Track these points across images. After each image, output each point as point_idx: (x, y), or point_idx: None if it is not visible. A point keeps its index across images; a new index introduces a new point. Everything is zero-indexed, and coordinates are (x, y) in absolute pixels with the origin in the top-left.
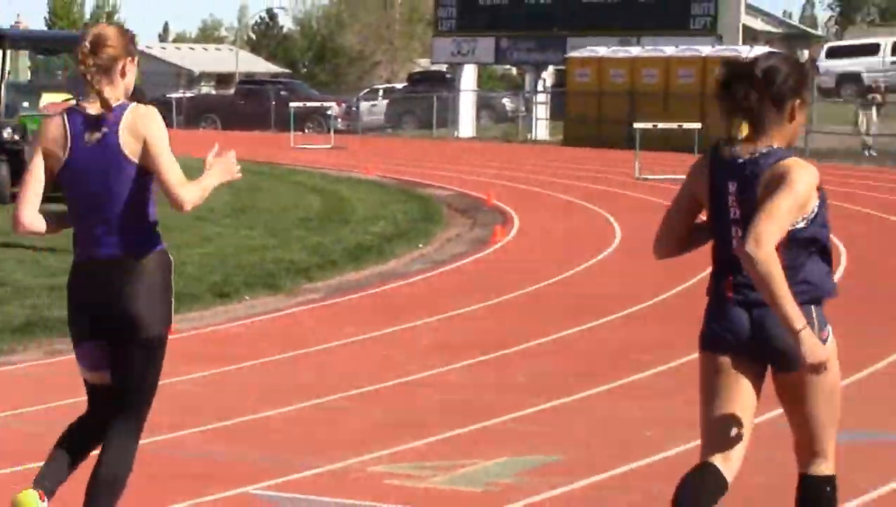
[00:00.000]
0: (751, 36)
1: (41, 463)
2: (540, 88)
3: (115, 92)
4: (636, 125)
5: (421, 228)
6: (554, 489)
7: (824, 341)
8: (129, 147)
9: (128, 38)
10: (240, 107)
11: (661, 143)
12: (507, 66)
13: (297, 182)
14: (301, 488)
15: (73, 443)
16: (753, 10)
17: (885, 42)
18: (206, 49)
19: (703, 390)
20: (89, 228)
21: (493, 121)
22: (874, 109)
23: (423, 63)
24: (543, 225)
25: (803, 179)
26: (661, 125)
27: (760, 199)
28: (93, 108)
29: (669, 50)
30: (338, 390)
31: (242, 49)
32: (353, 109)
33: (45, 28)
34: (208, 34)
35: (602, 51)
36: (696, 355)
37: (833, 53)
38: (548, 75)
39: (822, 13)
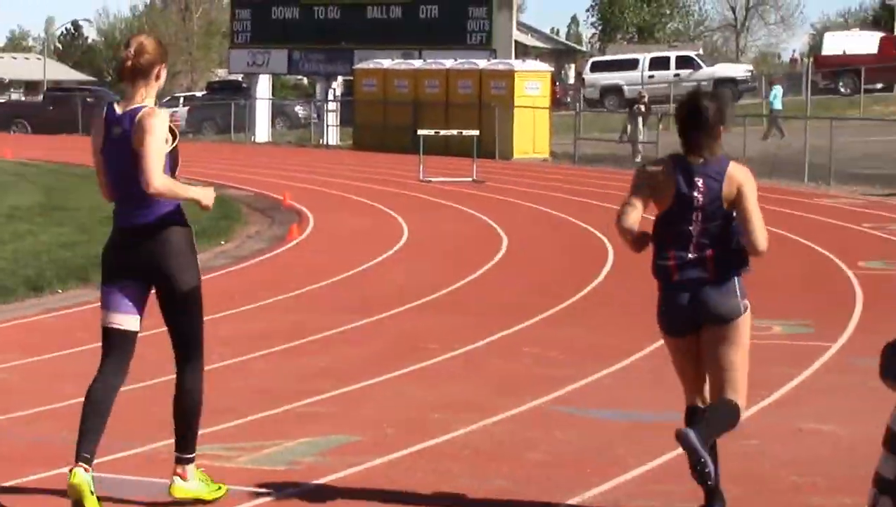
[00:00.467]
0: (522, 51)
1: None
2: (330, 96)
3: (150, 91)
4: (420, 132)
5: (222, 226)
6: (351, 467)
7: (746, 310)
8: (138, 139)
9: (162, 47)
10: (49, 112)
11: (443, 148)
12: (300, 77)
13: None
14: (115, 468)
15: (97, 407)
16: (524, 27)
17: (644, 57)
18: (14, 58)
19: (672, 360)
20: (119, 203)
21: (287, 127)
22: (640, 119)
23: (221, 73)
24: (336, 224)
25: (754, 181)
26: (442, 132)
27: (734, 202)
28: (121, 107)
29: (449, 63)
30: (147, 378)
31: (50, 58)
32: None
33: None
34: (16, 44)
35: (386, 63)
36: (478, 343)
37: (597, 67)
38: (337, 85)
39: (586, 31)
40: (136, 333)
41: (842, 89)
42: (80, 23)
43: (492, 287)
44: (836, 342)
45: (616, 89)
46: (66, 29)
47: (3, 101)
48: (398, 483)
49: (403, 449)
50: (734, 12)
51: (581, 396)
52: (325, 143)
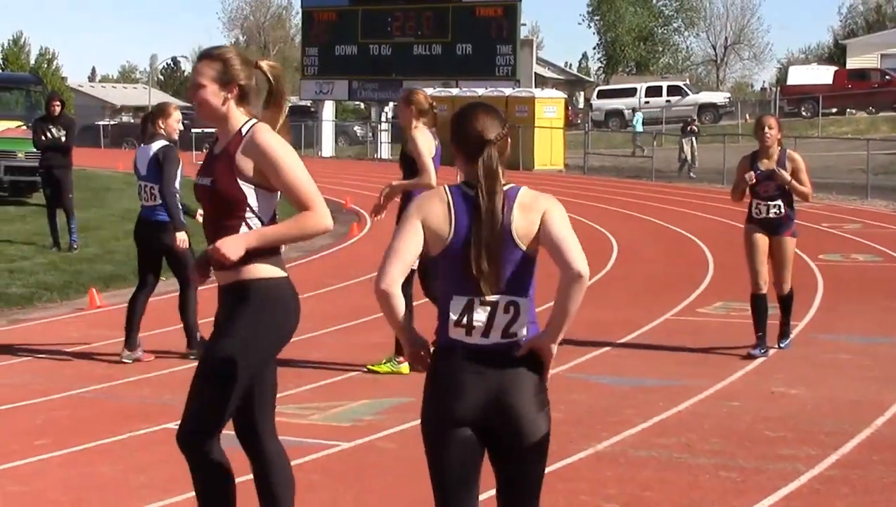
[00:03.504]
0: (541, 81)
1: None
2: (383, 118)
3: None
4: None
5: None
6: (404, 423)
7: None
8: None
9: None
10: None
11: None
12: (358, 102)
13: None
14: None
15: None
16: (542, 62)
17: (641, 86)
18: (125, 87)
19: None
20: None
21: (347, 144)
22: (693, 139)
23: (293, 99)
24: (389, 223)
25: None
26: None
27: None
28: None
29: (481, 91)
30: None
31: (153, 87)
32: None
33: None
34: (126, 76)
35: (429, 91)
36: None
37: (602, 95)
38: (389, 109)
39: (594, 64)
40: None
41: (803, 113)
42: (178, 59)
43: None
44: (802, 321)
45: (618, 113)
46: (166, 64)
47: (115, 122)
48: None
49: None
50: (714, 49)
51: (593, 365)
52: (378, 157)
